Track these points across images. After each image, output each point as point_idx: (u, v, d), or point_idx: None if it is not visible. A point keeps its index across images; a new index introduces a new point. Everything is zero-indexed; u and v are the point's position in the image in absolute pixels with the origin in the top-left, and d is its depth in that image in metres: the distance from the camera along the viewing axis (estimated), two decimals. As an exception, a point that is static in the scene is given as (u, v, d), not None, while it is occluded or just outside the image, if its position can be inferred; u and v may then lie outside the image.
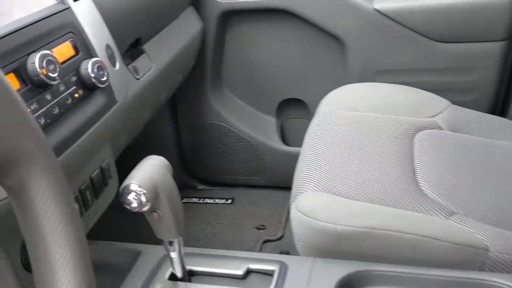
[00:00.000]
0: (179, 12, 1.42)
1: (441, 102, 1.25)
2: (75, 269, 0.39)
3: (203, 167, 1.78)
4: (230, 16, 1.54)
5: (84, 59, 0.78)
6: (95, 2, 0.89)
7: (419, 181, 0.95)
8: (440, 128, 1.16)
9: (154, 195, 0.66)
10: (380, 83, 1.39)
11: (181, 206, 0.72)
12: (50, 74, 0.68)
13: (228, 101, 1.68)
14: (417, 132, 1.13)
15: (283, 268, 0.79)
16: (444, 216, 0.85)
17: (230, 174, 1.77)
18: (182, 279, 0.78)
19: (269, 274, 0.79)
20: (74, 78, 0.76)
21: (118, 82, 0.87)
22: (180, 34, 1.41)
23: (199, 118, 1.68)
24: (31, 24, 0.70)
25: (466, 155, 1.06)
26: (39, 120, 0.67)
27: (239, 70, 1.63)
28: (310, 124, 1.21)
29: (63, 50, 0.75)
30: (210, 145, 1.73)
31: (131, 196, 0.64)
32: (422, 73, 1.45)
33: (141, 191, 0.64)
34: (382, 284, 0.77)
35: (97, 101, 0.80)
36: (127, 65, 1.11)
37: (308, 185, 0.94)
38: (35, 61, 0.67)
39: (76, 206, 0.53)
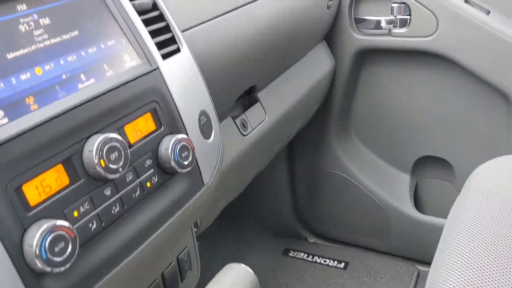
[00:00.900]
0: (308, 49, 1.21)
1: None
2: None
3: (317, 219, 1.56)
4: (367, 54, 1.30)
5: (166, 135, 0.62)
6: (197, 53, 0.73)
7: None
8: None
9: None
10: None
11: None
12: (111, 166, 0.52)
13: (354, 150, 1.44)
14: None
15: None
16: None
17: (347, 231, 1.53)
18: None
19: None
20: (148, 162, 0.59)
21: (210, 159, 0.69)
22: (306, 76, 1.21)
23: (319, 165, 1.47)
24: (101, 95, 0.55)
25: None
26: (90, 225, 0.51)
27: (371, 116, 1.39)
28: (459, 199, 0.94)
29: (140, 125, 0.59)
30: (328, 196, 1.50)
31: None
32: None
33: None
34: None
35: (176, 188, 0.63)
36: (234, 118, 0.94)
37: (455, 274, 0.70)
38: (93, 148, 0.51)
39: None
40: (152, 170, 0.59)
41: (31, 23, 0.52)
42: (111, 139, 0.53)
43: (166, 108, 0.62)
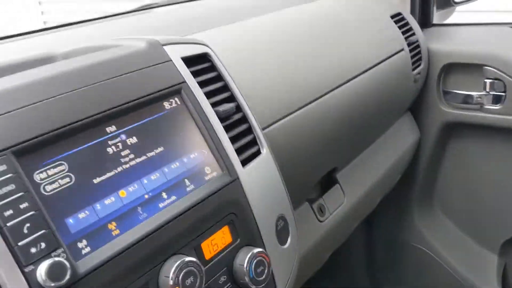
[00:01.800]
0: (392, 123, 1.17)
1: None
2: None
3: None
4: (456, 127, 1.23)
5: (241, 247, 0.60)
6: (277, 150, 0.71)
7: None
8: None
9: None
10: None
11: None
12: (186, 292, 0.51)
13: (437, 224, 1.36)
14: None
15: None
16: None
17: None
18: None
19: None
20: (223, 278, 0.58)
21: (285, 266, 0.66)
22: (389, 149, 1.16)
23: (398, 237, 1.40)
24: (181, 214, 0.54)
25: None
26: None
27: (457, 191, 1.31)
28: None
29: (217, 239, 0.58)
30: (406, 270, 1.42)
31: None
32: None
33: None
34: None
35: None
36: (311, 202, 0.92)
37: None
38: (169, 274, 0.51)
39: None
40: (226, 287, 0.58)
41: (119, 144, 0.53)
42: (188, 263, 0.52)
43: (244, 220, 0.61)
